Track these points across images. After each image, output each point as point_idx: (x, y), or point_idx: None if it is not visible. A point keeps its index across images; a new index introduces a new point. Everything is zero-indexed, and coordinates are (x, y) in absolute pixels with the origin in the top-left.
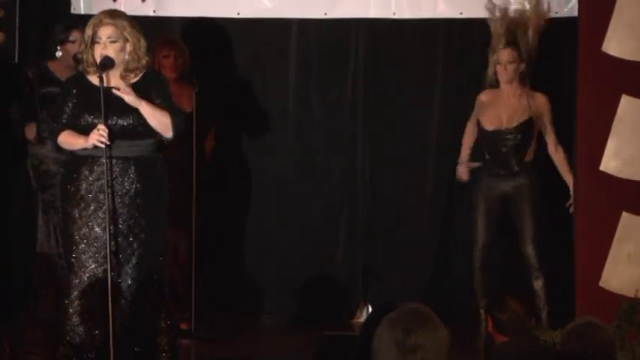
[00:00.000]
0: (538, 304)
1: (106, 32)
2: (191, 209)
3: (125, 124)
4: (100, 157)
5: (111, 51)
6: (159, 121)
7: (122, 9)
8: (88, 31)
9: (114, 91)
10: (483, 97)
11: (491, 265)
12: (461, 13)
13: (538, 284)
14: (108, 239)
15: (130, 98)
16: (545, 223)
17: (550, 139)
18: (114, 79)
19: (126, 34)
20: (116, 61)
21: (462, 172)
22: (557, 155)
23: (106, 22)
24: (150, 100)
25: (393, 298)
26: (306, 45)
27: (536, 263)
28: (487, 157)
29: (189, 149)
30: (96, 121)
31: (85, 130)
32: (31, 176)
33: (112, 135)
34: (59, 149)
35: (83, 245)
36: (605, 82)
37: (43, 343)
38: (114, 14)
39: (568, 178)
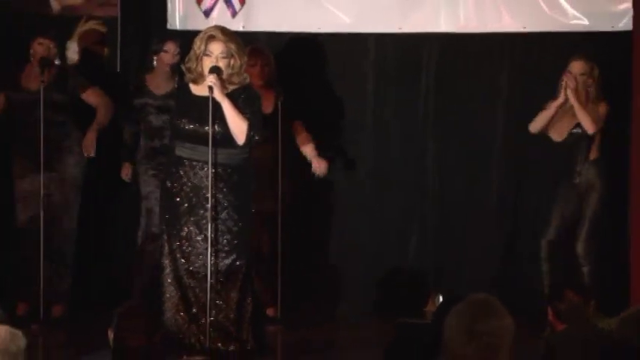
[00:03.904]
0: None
1: (218, 48)
2: (277, 207)
3: (223, 131)
4: (200, 161)
5: (221, 65)
6: (236, 124)
7: (214, 24)
8: (201, 45)
9: (215, 91)
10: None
11: (557, 257)
12: (524, 27)
13: (584, 276)
14: (209, 233)
15: (217, 92)
16: (603, 217)
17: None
18: (216, 89)
19: (233, 51)
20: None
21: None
22: None
23: (219, 38)
24: (239, 109)
25: (462, 290)
26: (382, 57)
27: (583, 260)
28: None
29: (275, 151)
30: (192, 126)
31: (185, 134)
32: (140, 181)
33: (205, 141)
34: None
35: (178, 241)
36: None
37: (143, 329)
38: (225, 31)
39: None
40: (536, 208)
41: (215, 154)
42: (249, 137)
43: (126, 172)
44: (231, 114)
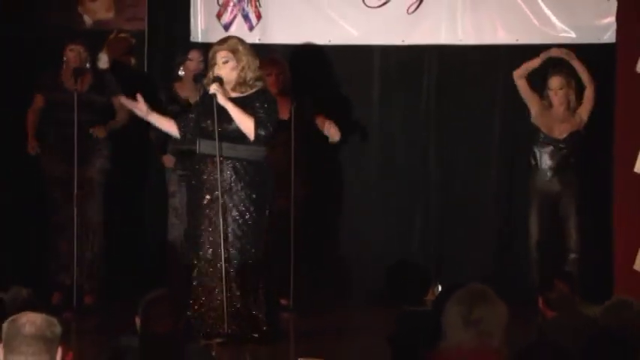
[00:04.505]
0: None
1: (220, 55)
2: (290, 204)
3: (236, 128)
4: (220, 156)
5: (224, 70)
6: (243, 123)
7: None
8: (211, 58)
9: (218, 97)
10: (539, 108)
11: (545, 254)
12: (517, 40)
13: (572, 264)
14: (220, 224)
15: (220, 98)
16: (588, 216)
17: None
18: (229, 91)
19: (237, 55)
20: (229, 77)
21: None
22: None
23: (221, 47)
24: (253, 110)
25: (460, 280)
26: (386, 67)
27: (574, 247)
28: (539, 158)
29: (288, 152)
30: (207, 124)
31: (207, 132)
32: (168, 181)
33: (224, 138)
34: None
35: (201, 232)
36: (639, 97)
37: (168, 316)
38: (227, 39)
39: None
40: (527, 205)
41: (234, 150)
42: (257, 133)
43: (168, 160)
44: (236, 115)
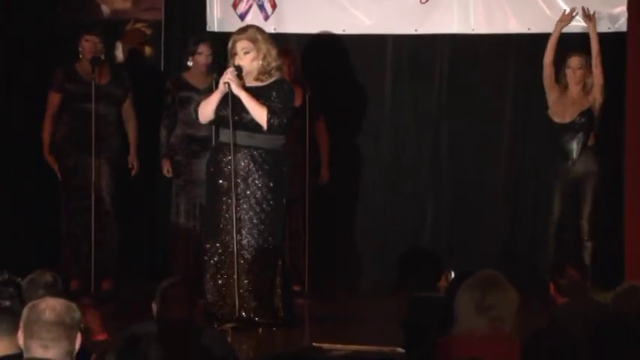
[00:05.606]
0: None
1: (240, 45)
2: (305, 191)
3: (253, 117)
4: (237, 144)
5: (245, 61)
6: (256, 112)
7: None
8: (231, 47)
9: (232, 86)
10: (556, 96)
11: (562, 235)
12: (529, 29)
13: (586, 252)
14: (234, 212)
15: (234, 87)
16: (601, 204)
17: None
18: (249, 81)
19: (257, 44)
20: (250, 68)
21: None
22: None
23: (240, 37)
24: (268, 99)
25: (471, 267)
26: (399, 56)
27: (588, 235)
28: (560, 144)
29: (303, 139)
30: (225, 112)
31: (226, 121)
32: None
33: (242, 127)
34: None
35: (217, 219)
36: None
37: (185, 300)
38: (246, 29)
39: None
40: (536, 193)
41: (251, 138)
42: (270, 123)
43: (167, 168)
44: (249, 104)
